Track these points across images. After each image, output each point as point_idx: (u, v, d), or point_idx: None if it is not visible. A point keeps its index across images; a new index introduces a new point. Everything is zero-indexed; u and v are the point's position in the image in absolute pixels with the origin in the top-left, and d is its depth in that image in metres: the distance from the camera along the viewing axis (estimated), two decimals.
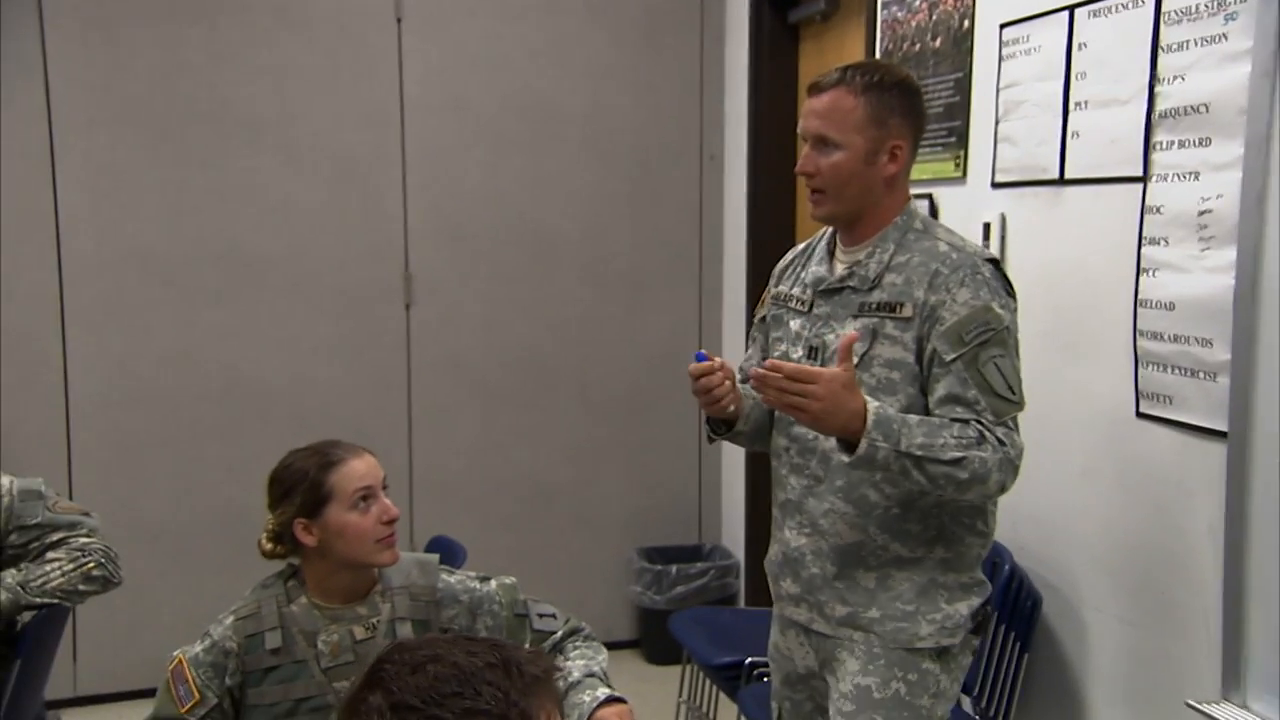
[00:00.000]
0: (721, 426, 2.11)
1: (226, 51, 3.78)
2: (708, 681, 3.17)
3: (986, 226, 2.64)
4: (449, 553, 2.66)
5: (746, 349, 2.28)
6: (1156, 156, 2.15)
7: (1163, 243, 2.12)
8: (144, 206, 3.74)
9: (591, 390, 4.20)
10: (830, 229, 2.06)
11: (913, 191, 2.05)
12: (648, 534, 4.28)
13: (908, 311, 1.89)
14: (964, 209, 2.76)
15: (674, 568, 4.07)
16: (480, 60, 3.99)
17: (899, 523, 1.93)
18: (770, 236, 3.93)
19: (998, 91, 2.64)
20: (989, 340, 1.84)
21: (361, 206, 3.94)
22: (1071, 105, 2.40)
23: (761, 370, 1.78)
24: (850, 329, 1.91)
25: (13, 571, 2.42)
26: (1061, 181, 2.43)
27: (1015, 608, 2.45)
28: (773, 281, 2.17)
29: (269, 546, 1.96)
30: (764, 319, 2.17)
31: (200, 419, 3.84)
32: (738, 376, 2.10)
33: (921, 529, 1.94)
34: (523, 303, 4.12)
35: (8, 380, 3.64)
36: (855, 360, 1.86)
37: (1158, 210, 2.14)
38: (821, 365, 1.93)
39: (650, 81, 4.15)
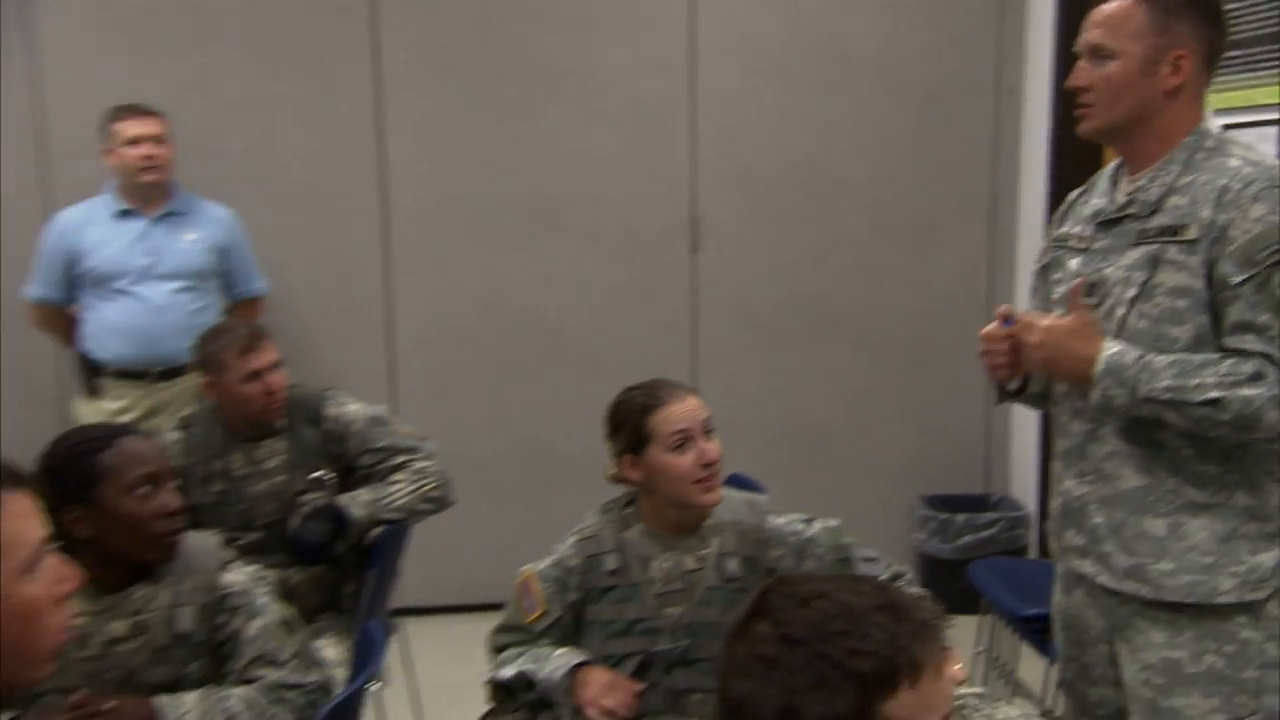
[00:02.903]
0: (1010, 389, 2.03)
1: (534, 5, 3.93)
2: (1008, 633, 3.13)
3: None
4: (749, 490, 2.72)
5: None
6: None
7: None
8: (460, 158, 3.95)
9: (875, 334, 4.17)
10: (1116, 162, 1.92)
11: (1225, 121, 1.92)
12: (931, 483, 4.23)
13: (1192, 233, 1.73)
14: None
15: (960, 517, 4.01)
16: (773, 1, 4.00)
17: (1193, 464, 1.78)
18: (1074, 177, 3.73)
19: None
20: None
21: (652, 152, 4.04)
22: None
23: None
24: (1131, 258, 1.79)
25: (365, 492, 2.66)
26: None
27: None
28: (1053, 225, 2.06)
29: (613, 472, 2.04)
30: (1044, 268, 2.03)
31: (505, 359, 4.05)
32: None
33: (1220, 471, 1.77)
34: (808, 246, 4.13)
35: (338, 322, 3.96)
36: (1135, 291, 1.77)
37: None
38: (1099, 303, 1.82)
39: (944, 12, 4.04)
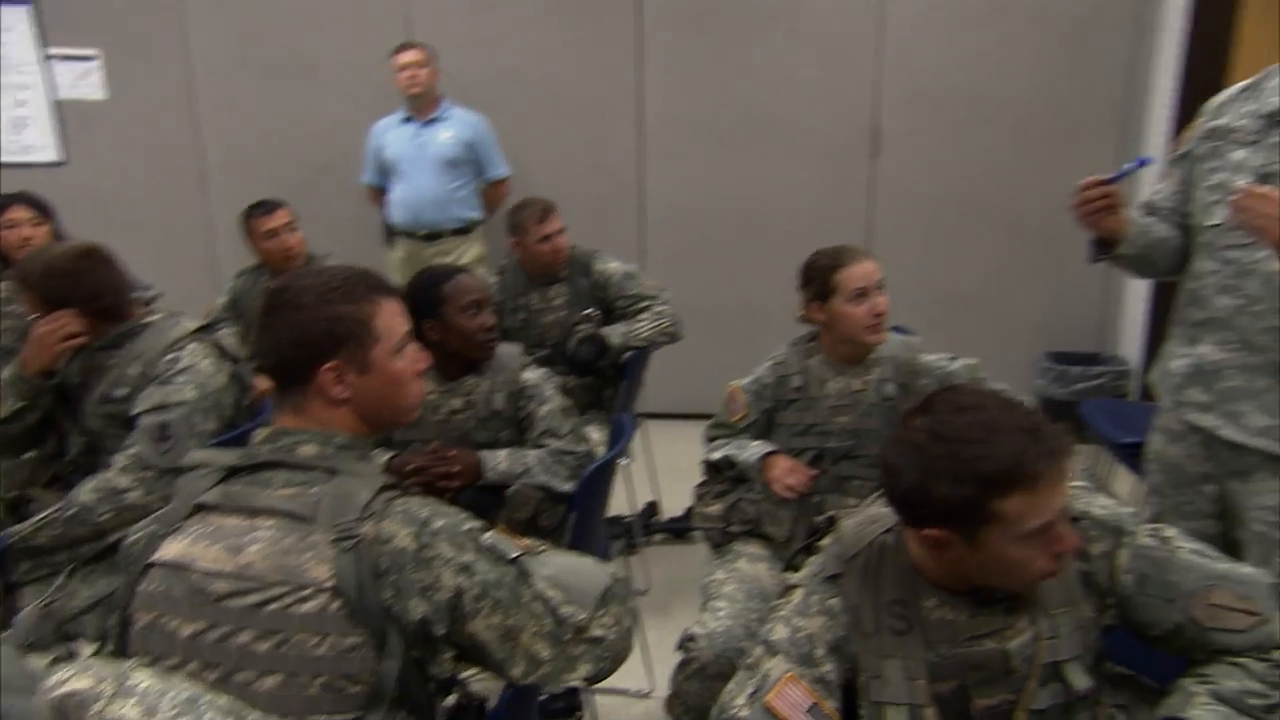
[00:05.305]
0: (1105, 248, 1.76)
1: None
2: (1107, 457, 2.95)
3: None
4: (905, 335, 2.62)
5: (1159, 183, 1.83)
6: None
7: None
8: (697, 82, 3.84)
9: (1016, 222, 3.85)
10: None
11: None
12: (1053, 341, 3.95)
13: None
14: None
15: (1076, 368, 3.75)
16: None
17: None
18: (1198, 97, 3.31)
19: None
20: None
21: (843, 76, 3.80)
22: None
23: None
24: None
25: (620, 326, 2.72)
26: None
27: None
28: (1205, 117, 1.70)
29: (802, 313, 1.99)
30: (1187, 154, 1.72)
31: (724, 236, 4.00)
32: (1139, 210, 1.78)
33: None
34: (967, 152, 3.82)
35: (605, 203, 3.97)
36: None
37: None
38: None
39: None
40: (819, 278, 1.94)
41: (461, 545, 1.09)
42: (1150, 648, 1.17)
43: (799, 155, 3.90)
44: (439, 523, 1.10)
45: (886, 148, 3.88)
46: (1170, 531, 1.19)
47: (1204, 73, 3.30)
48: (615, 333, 2.68)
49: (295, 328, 1.15)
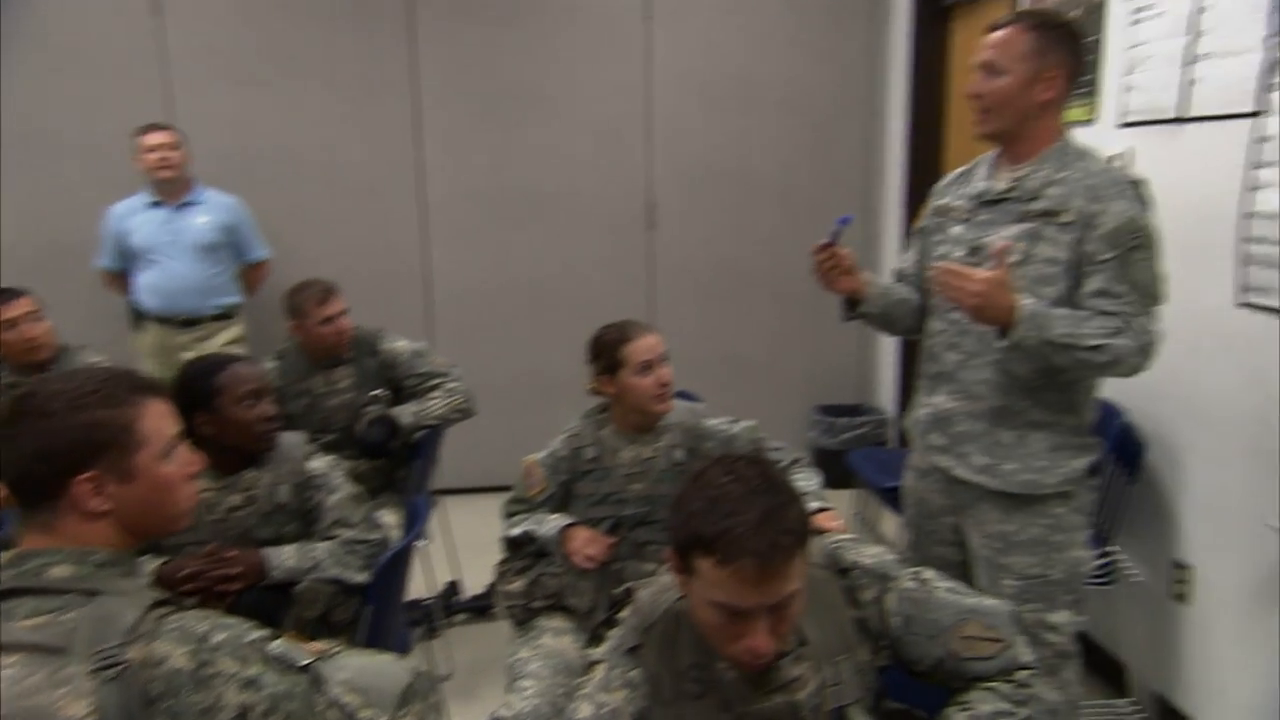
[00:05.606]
0: (851, 307, 1.95)
1: (528, 47, 3.85)
2: (874, 501, 3.20)
3: (1111, 159, 2.46)
4: (691, 401, 2.72)
5: (903, 252, 2.07)
6: (1273, 96, 1.95)
7: (1272, 166, 1.94)
8: (476, 160, 3.88)
9: (781, 288, 4.15)
10: (990, 155, 1.82)
11: None
12: (820, 395, 4.26)
13: (1068, 218, 1.65)
14: (1095, 144, 2.57)
15: (842, 419, 4.06)
16: (707, 45, 3.94)
17: (1041, 392, 1.74)
18: (922, 176, 3.78)
19: (1125, 50, 2.44)
20: (1139, 245, 1.63)
21: (617, 155, 3.98)
22: (1193, 58, 2.19)
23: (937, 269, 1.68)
24: (1012, 232, 1.70)
25: (411, 405, 2.65)
26: (1181, 120, 2.23)
27: (1125, 450, 2.33)
28: (934, 197, 1.93)
29: (593, 386, 2.03)
30: (923, 228, 1.94)
31: (511, 309, 4.02)
32: (892, 277, 2.01)
33: (1058, 398, 1.74)
34: (733, 224, 4.10)
35: (389, 281, 3.90)
36: (1018, 258, 1.66)
37: (1267, 139, 1.95)
38: (979, 263, 1.70)
39: (830, 55, 4.00)
40: (606, 352, 1.98)
41: (245, 658, 1.01)
42: (918, 681, 1.27)
43: (580, 231, 4.02)
44: (219, 636, 1.01)
45: (661, 222, 4.08)
46: (929, 573, 1.31)
47: (924, 154, 3.77)
48: (406, 412, 2.61)
49: (42, 438, 1.03)
